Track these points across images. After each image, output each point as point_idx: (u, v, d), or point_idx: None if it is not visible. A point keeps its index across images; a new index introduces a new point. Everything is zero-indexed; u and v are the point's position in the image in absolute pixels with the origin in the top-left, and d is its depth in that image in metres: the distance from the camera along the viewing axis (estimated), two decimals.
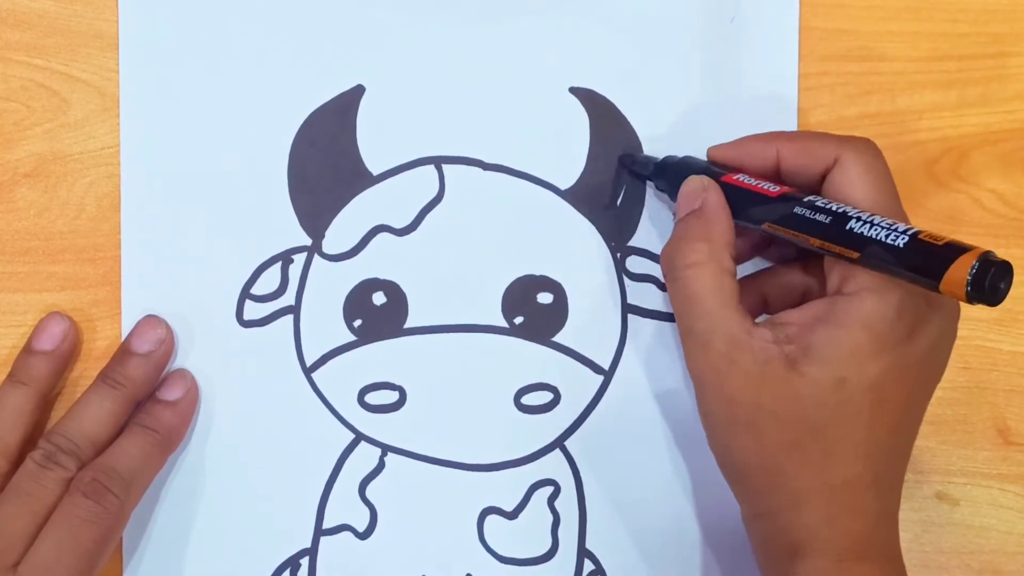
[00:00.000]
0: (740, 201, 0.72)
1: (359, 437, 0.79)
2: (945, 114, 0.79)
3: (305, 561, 0.79)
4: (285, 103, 0.79)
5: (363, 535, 0.79)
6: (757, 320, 0.70)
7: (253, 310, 0.79)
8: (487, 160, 0.79)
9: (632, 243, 0.79)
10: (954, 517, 0.79)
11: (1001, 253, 0.76)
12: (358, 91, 0.79)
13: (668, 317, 0.79)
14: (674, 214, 0.75)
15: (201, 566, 0.78)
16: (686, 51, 0.79)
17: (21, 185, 0.78)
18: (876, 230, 0.65)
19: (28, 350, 0.77)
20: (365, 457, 0.79)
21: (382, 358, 0.78)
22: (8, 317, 0.78)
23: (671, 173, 0.75)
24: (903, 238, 0.64)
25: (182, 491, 0.78)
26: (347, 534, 0.79)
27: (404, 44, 0.79)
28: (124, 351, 0.77)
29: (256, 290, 0.79)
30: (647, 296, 0.79)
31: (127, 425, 0.76)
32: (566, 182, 0.79)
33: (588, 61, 0.79)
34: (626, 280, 0.79)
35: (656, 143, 0.79)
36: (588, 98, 0.79)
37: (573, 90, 0.79)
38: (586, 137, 0.79)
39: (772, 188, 0.71)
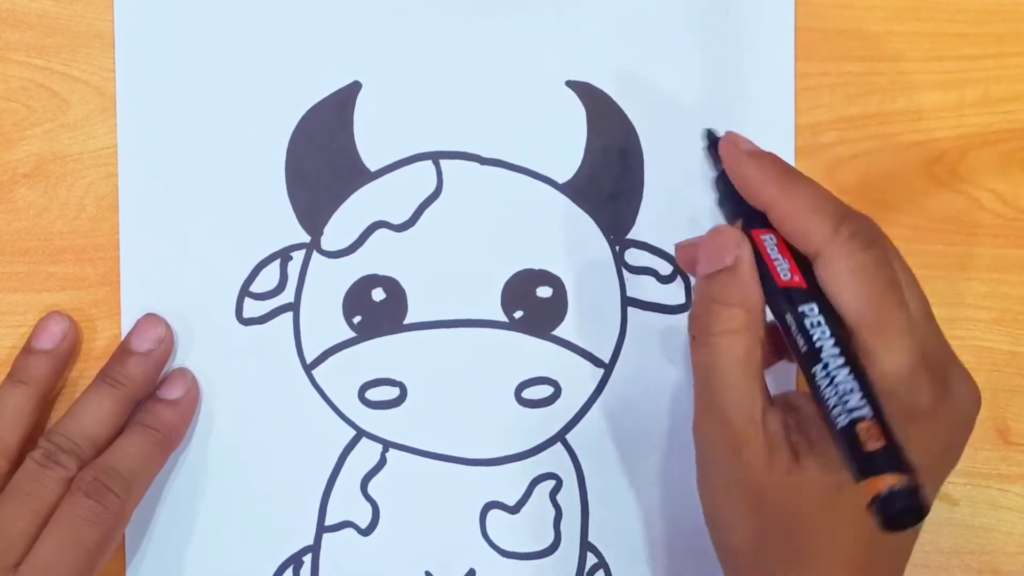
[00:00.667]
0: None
1: (360, 433, 0.78)
2: (945, 114, 0.79)
3: (308, 558, 0.78)
4: (281, 100, 0.79)
5: (365, 531, 0.79)
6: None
7: (252, 308, 0.79)
8: (485, 155, 0.79)
9: (631, 236, 0.79)
10: (954, 517, 0.79)
11: (1002, 253, 0.78)
12: (354, 87, 0.79)
13: (668, 309, 0.79)
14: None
15: (203, 565, 0.78)
16: (683, 42, 0.79)
17: (21, 185, 0.78)
18: (831, 390, 0.61)
19: (28, 350, 0.77)
20: (366, 453, 0.79)
21: (382, 354, 0.78)
22: (8, 317, 0.78)
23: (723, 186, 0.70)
24: (843, 419, 0.60)
25: (184, 490, 0.78)
26: (349, 531, 0.79)
27: (400, 40, 0.79)
28: (124, 350, 0.77)
29: (255, 288, 0.78)
30: (646, 289, 0.79)
31: (127, 424, 0.76)
32: (564, 176, 0.79)
33: (584, 55, 0.79)
34: (625, 273, 0.79)
35: (654, 135, 0.79)
36: (585, 91, 0.79)
37: (570, 83, 0.79)
38: (583, 130, 0.79)
39: (785, 272, 0.65)
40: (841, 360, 0.62)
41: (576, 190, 0.79)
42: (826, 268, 0.64)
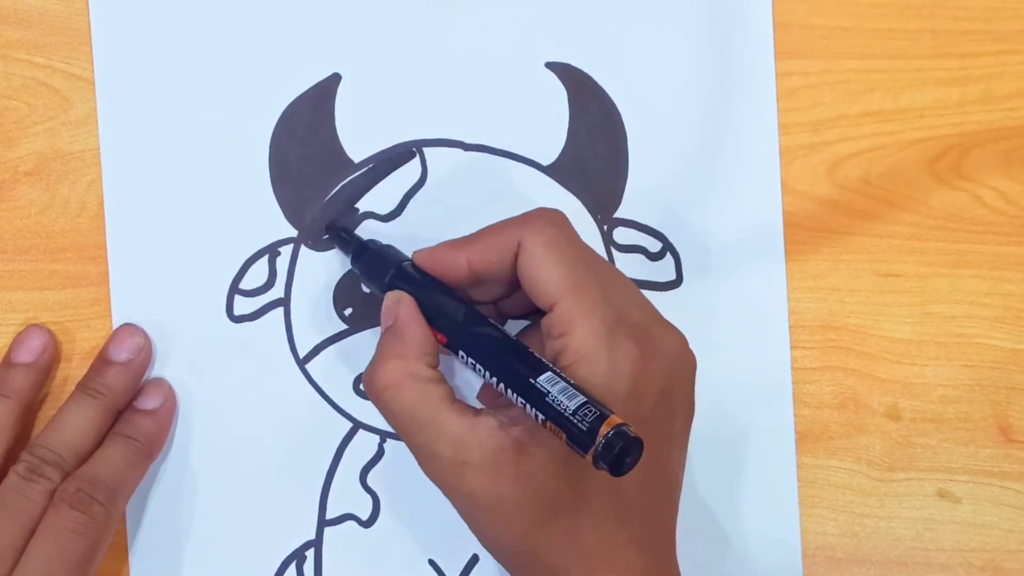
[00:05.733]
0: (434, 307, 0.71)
1: (357, 425, 0.79)
2: (947, 112, 0.79)
3: (311, 553, 0.79)
4: (262, 96, 0.78)
5: (367, 523, 0.79)
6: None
7: (243, 305, 0.79)
8: (468, 141, 0.79)
9: (618, 215, 0.79)
10: (956, 515, 0.79)
11: (1003, 251, 0.78)
12: (334, 79, 0.79)
13: (657, 287, 0.79)
14: None
15: (206, 564, 0.78)
16: (662, 19, 0.79)
17: (22, 183, 0.78)
18: (518, 401, 0.66)
19: (7, 363, 0.77)
20: (364, 445, 0.79)
21: (374, 345, 0.76)
22: (10, 316, 0.78)
23: (368, 259, 0.75)
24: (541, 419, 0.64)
25: (185, 489, 0.78)
26: (351, 523, 0.79)
27: (378, 29, 0.79)
28: (102, 360, 0.77)
29: (245, 284, 0.78)
30: (635, 267, 0.79)
31: (108, 435, 0.76)
32: (548, 158, 0.79)
33: (563, 35, 0.79)
34: (614, 252, 0.79)
35: (636, 113, 0.79)
36: (565, 72, 0.79)
37: (549, 65, 0.79)
38: (565, 111, 0.79)
39: (457, 306, 0.71)
40: (512, 376, 0.67)
41: (561, 171, 0.79)
42: (526, 253, 0.68)
